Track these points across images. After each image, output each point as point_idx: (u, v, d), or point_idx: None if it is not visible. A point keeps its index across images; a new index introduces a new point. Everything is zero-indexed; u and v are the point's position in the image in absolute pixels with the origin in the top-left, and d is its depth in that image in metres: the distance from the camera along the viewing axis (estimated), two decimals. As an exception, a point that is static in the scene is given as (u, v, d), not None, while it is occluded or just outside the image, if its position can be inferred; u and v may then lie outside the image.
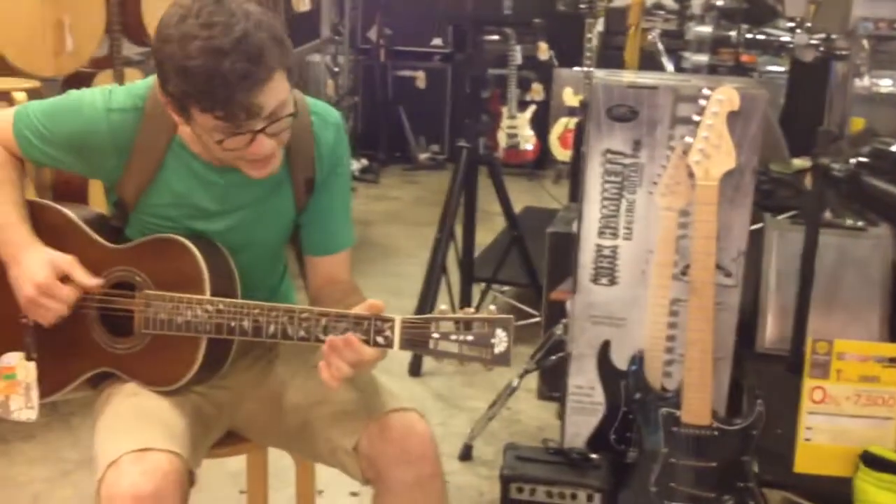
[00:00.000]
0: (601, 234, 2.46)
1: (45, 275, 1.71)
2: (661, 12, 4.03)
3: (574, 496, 2.42)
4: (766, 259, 2.95)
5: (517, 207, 4.01)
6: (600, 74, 2.53)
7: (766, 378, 2.67)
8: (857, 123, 3.27)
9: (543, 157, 7.11)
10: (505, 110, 6.97)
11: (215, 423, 1.87)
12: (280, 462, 2.14)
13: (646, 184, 2.41)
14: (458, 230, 3.78)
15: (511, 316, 1.57)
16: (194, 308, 1.69)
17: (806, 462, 2.40)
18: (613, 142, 2.40)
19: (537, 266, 3.77)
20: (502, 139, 7.00)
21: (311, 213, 1.88)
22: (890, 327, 2.85)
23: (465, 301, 3.79)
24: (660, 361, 2.40)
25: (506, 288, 4.32)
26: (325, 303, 1.82)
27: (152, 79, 1.70)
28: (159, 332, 1.72)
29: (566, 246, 2.88)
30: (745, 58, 3.81)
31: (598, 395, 2.54)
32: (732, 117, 2.26)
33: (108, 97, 1.74)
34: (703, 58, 3.69)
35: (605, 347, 2.51)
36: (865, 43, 3.14)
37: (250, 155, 1.63)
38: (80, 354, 1.80)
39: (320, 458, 1.86)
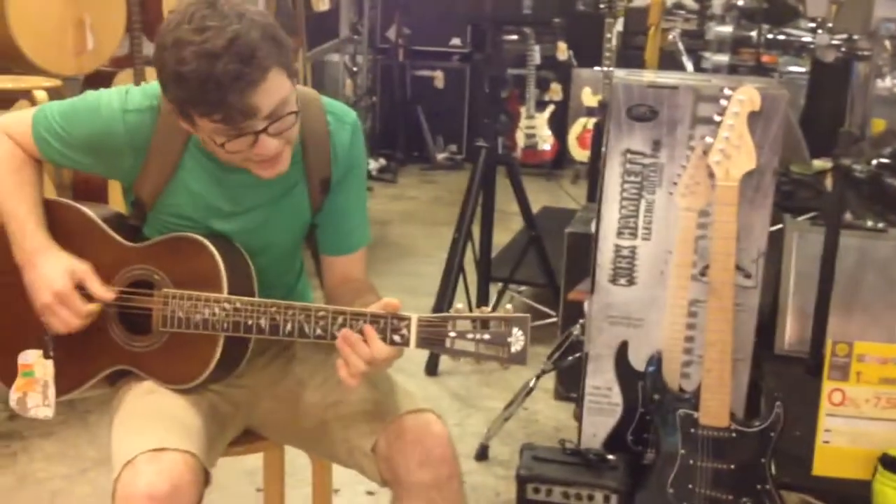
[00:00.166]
0: (620, 234, 2.45)
1: (63, 283, 1.72)
2: (682, 12, 4.01)
3: (591, 497, 2.42)
4: (785, 260, 2.93)
5: (535, 207, 4.00)
6: (620, 74, 2.52)
7: (785, 380, 2.66)
8: (879, 125, 3.25)
9: (561, 157, 7.11)
10: (523, 110, 6.97)
11: (232, 422, 1.87)
12: (297, 460, 2.14)
13: (665, 184, 2.39)
14: (476, 230, 3.77)
15: (527, 315, 1.57)
16: (212, 306, 1.69)
17: (824, 465, 2.38)
18: (633, 142, 2.39)
19: (555, 266, 3.76)
20: (520, 139, 7.00)
21: (327, 212, 1.88)
22: (911, 330, 2.82)
23: (483, 300, 3.78)
24: (678, 362, 2.39)
25: (523, 288, 4.32)
26: (340, 301, 1.81)
27: None
28: (177, 331, 1.72)
29: (584, 246, 2.88)
30: (765, 58, 3.79)
31: (616, 396, 2.53)
32: (753, 118, 2.25)
33: (125, 98, 1.75)
34: (723, 58, 3.67)
35: (622, 348, 2.50)
36: (888, 44, 3.12)
37: (256, 156, 1.63)
38: (97, 352, 1.80)
39: (337, 458, 1.86)
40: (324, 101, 1.84)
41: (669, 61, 4.05)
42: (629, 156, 2.40)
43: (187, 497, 1.58)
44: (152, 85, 1.77)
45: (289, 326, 1.65)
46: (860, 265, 2.82)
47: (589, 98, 6.74)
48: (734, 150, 2.23)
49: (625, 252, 2.45)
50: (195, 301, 1.70)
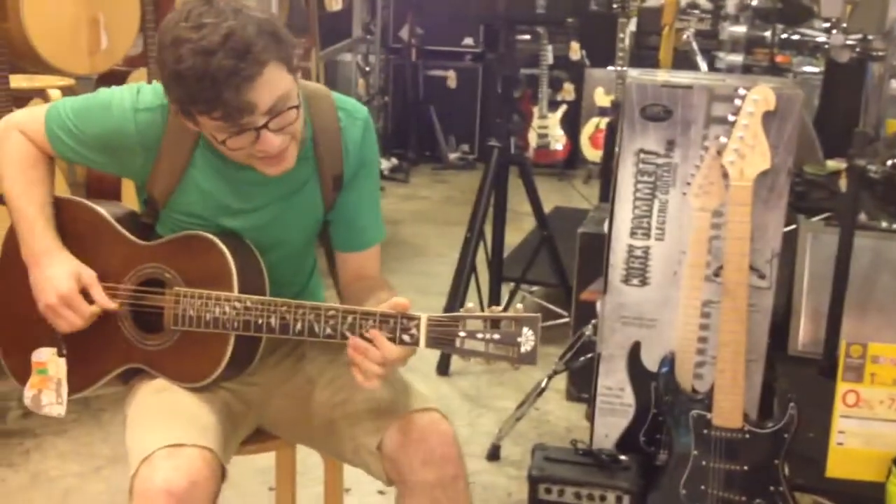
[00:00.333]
0: (633, 234, 2.44)
1: (69, 286, 1.73)
2: (696, 12, 4.00)
3: (603, 498, 2.41)
4: (799, 261, 2.91)
5: (547, 207, 4.00)
6: (634, 73, 2.52)
7: (799, 381, 2.64)
8: (893, 125, 3.24)
9: (574, 157, 7.10)
10: (536, 110, 6.96)
11: (244, 420, 1.87)
12: (308, 459, 2.14)
13: (679, 184, 2.39)
14: (488, 230, 3.77)
15: (538, 314, 1.56)
16: (222, 305, 1.69)
17: (838, 466, 2.37)
18: (647, 141, 2.38)
19: (567, 266, 3.75)
20: (533, 139, 7.00)
21: (340, 209, 1.88)
22: (926, 331, 2.81)
23: (494, 300, 3.78)
24: (691, 363, 2.39)
25: (535, 288, 4.31)
26: (354, 298, 1.82)
27: None
28: (188, 329, 1.72)
29: (597, 246, 2.87)
30: (779, 58, 3.77)
31: (628, 397, 2.52)
32: (768, 117, 2.24)
33: (136, 97, 1.75)
34: (737, 58, 3.66)
35: (635, 348, 2.49)
36: (903, 44, 3.10)
37: (259, 152, 1.63)
38: (110, 351, 1.81)
39: (345, 457, 1.86)
40: (335, 98, 1.84)
41: (683, 61, 4.04)
42: (642, 155, 2.40)
43: (205, 492, 1.58)
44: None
45: (299, 325, 1.65)
46: (874, 266, 2.81)
47: (601, 98, 6.73)
48: (748, 150, 2.22)
49: (638, 252, 2.45)
50: (206, 300, 1.70)
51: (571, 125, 7.02)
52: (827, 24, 3.65)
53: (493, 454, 3.02)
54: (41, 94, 3.23)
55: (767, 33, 3.71)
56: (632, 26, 5.19)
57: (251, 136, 1.59)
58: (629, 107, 2.38)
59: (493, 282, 3.82)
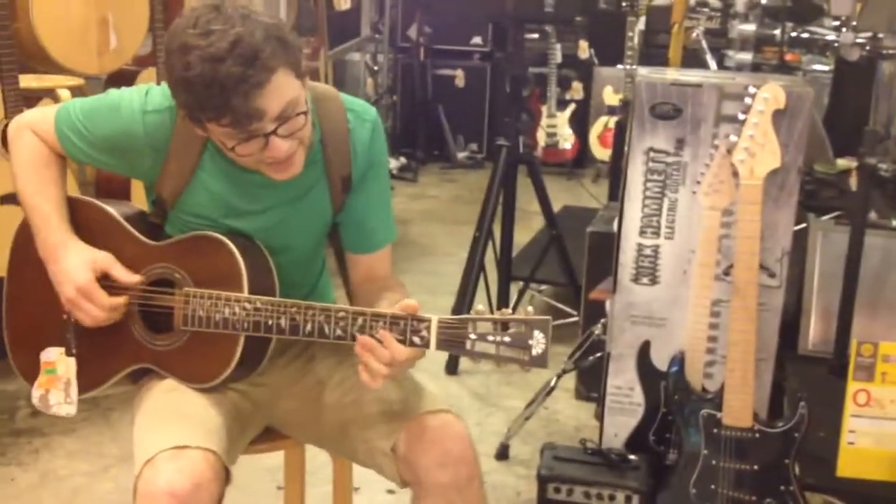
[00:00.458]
0: (642, 233, 2.43)
1: (86, 277, 1.73)
2: (705, 10, 3.99)
3: (612, 497, 2.41)
4: (809, 260, 2.91)
5: (555, 206, 3.99)
6: (643, 72, 2.51)
7: (809, 380, 2.64)
8: (904, 123, 3.22)
9: (582, 156, 7.09)
10: (544, 109, 6.95)
11: (253, 420, 1.87)
12: (317, 459, 2.14)
13: (689, 182, 2.38)
14: (497, 229, 3.76)
15: (549, 317, 1.55)
16: (232, 305, 1.69)
17: (849, 466, 2.36)
18: (656, 140, 2.37)
19: (575, 265, 3.75)
20: (541, 138, 6.99)
21: (349, 211, 1.87)
22: (937, 330, 2.80)
23: (503, 300, 3.77)
24: (701, 362, 2.38)
25: (543, 287, 4.31)
26: (365, 299, 1.82)
27: None
28: (198, 330, 1.72)
29: (606, 245, 2.86)
30: (788, 56, 3.76)
31: (638, 396, 2.52)
32: (778, 116, 2.23)
33: (144, 98, 1.75)
34: (746, 56, 3.65)
35: (645, 348, 2.48)
36: (913, 42, 3.09)
37: (268, 158, 1.62)
38: (119, 350, 1.80)
39: (357, 458, 1.85)
40: (344, 99, 1.83)
41: (692, 59, 4.03)
42: (652, 154, 2.39)
43: (208, 494, 1.58)
44: None
45: (308, 327, 1.65)
46: (885, 265, 2.80)
47: (610, 97, 6.72)
48: (759, 149, 2.21)
49: (647, 251, 2.44)
50: (215, 300, 1.70)
51: (580, 124, 7.01)
52: (837, 23, 3.63)
53: (502, 453, 3.02)
54: (51, 94, 3.23)
55: (777, 31, 3.70)
56: (640, 25, 5.18)
57: (260, 142, 1.59)
58: (639, 105, 2.37)
59: (501, 281, 3.81)
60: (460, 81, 7.33)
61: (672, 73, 2.52)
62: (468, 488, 1.72)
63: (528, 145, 3.82)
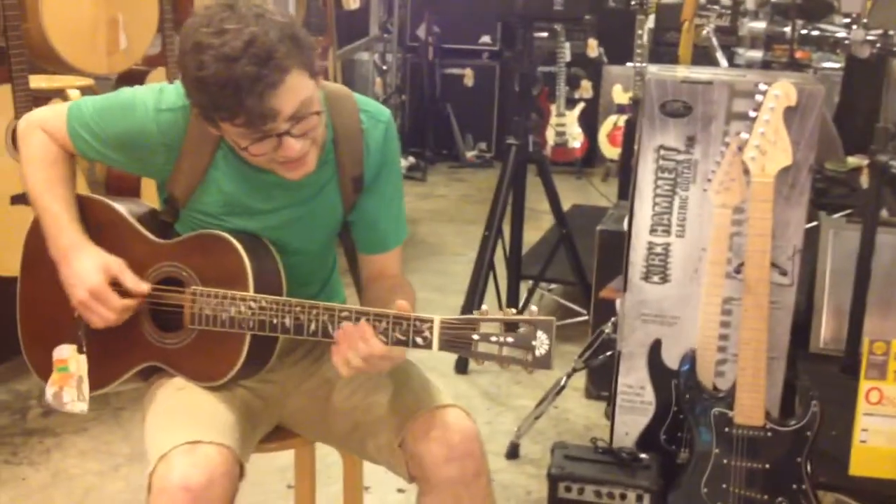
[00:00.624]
0: (653, 231, 2.43)
1: (98, 280, 1.73)
2: (716, 7, 3.98)
3: (623, 496, 2.40)
4: (820, 258, 2.90)
5: (565, 205, 3.99)
6: (654, 69, 2.50)
7: (820, 379, 2.63)
8: (915, 121, 3.21)
9: (591, 154, 7.08)
10: (553, 108, 6.94)
11: (263, 418, 1.87)
12: (328, 458, 2.14)
13: (699, 180, 2.37)
14: (506, 228, 3.76)
15: (553, 318, 1.54)
16: (237, 304, 1.69)
17: (861, 464, 2.35)
18: (667, 138, 2.37)
19: (585, 264, 3.74)
20: (550, 137, 6.98)
21: (361, 211, 1.87)
22: (949, 328, 2.79)
23: (513, 299, 3.77)
24: (712, 361, 2.37)
25: (553, 286, 4.30)
26: (375, 297, 1.82)
27: None
28: (205, 328, 1.72)
29: (616, 244, 2.86)
30: (799, 54, 3.75)
31: (649, 395, 2.51)
32: (789, 113, 2.22)
33: (158, 97, 1.75)
34: (756, 54, 3.64)
35: (656, 346, 2.48)
36: (924, 39, 3.07)
37: (280, 157, 1.62)
38: (129, 348, 1.81)
39: (366, 454, 1.86)
40: (358, 99, 1.83)
41: (702, 57, 4.02)
42: (662, 152, 2.38)
43: (222, 489, 1.58)
44: None
45: (313, 326, 1.65)
46: (897, 263, 2.79)
47: (619, 95, 6.71)
48: (770, 146, 2.21)
49: (658, 249, 2.43)
50: (221, 299, 1.70)
51: (589, 123, 7.01)
52: (847, 20, 3.62)
53: (513, 452, 3.01)
54: (60, 94, 3.23)
55: (787, 29, 3.69)
56: (650, 23, 5.17)
57: (273, 141, 1.59)
58: (649, 103, 2.36)
59: (511, 280, 3.81)
60: (469, 80, 7.33)
61: (682, 71, 2.51)
62: (475, 483, 1.72)
63: (538, 144, 3.81)
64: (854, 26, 3.40)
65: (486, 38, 7.30)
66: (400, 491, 2.70)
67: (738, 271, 2.35)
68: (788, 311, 2.40)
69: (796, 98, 2.21)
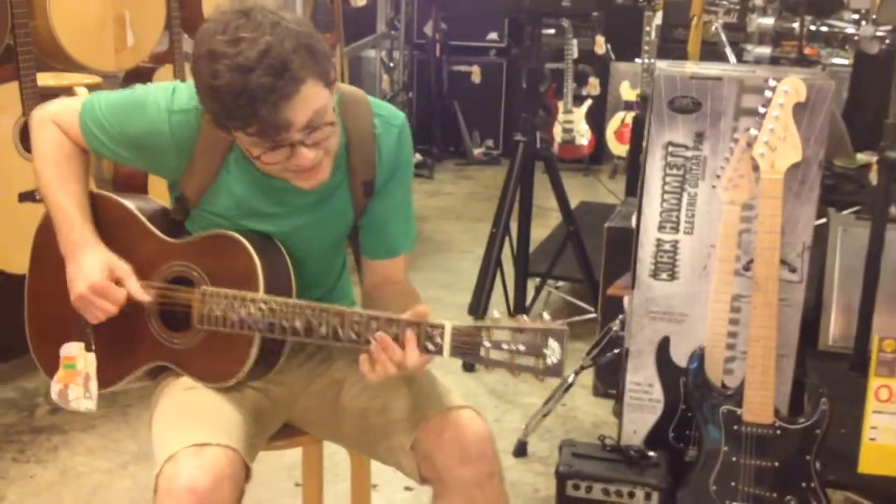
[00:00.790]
0: (661, 228, 2.42)
1: (100, 277, 1.73)
2: (724, 3, 3.97)
3: (632, 494, 2.39)
4: (829, 255, 2.89)
5: (572, 202, 3.98)
6: (662, 65, 2.49)
7: (830, 376, 2.62)
8: (925, 117, 3.19)
9: (599, 151, 7.07)
10: (561, 105, 6.93)
11: (271, 418, 1.87)
12: (335, 456, 2.13)
13: (708, 177, 2.36)
14: (513, 225, 3.75)
15: (565, 327, 1.54)
16: (248, 306, 1.68)
17: (871, 462, 2.34)
18: (675, 134, 2.36)
19: (593, 261, 3.73)
20: (558, 134, 6.97)
21: (370, 217, 1.86)
22: (959, 326, 2.77)
23: (520, 296, 3.76)
24: (721, 358, 2.36)
25: (560, 283, 4.29)
26: (377, 301, 1.81)
27: None
28: (214, 329, 1.72)
29: (624, 241, 2.85)
30: (807, 50, 3.74)
31: (657, 393, 2.50)
32: (798, 109, 2.21)
33: (171, 98, 1.74)
34: (765, 50, 3.63)
35: (664, 344, 2.47)
36: (934, 34, 3.06)
37: (293, 167, 1.61)
38: (137, 347, 1.81)
39: (376, 455, 1.85)
40: (372, 103, 1.81)
41: (710, 54, 4.01)
42: (671, 148, 2.37)
43: (228, 491, 1.58)
44: None
45: (323, 329, 1.64)
46: (907, 260, 2.78)
47: (627, 92, 6.69)
48: (779, 142, 2.19)
49: (666, 246, 2.42)
50: (231, 300, 1.69)
51: (597, 120, 7.00)
52: (856, 16, 3.61)
53: (520, 450, 3.01)
54: (68, 92, 3.24)
55: (796, 25, 3.68)
56: (657, 19, 5.16)
57: (286, 151, 1.58)
58: (657, 99, 2.35)
59: (518, 277, 3.80)
60: (476, 77, 7.32)
61: (691, 67, 2.50)
62: (489, 484, 1.71)
63: (545, 141, 3.80)
64: (863, 22, 3.40)
65: (493, 35, 7.29)
66: (408, 489, 2.70)
67: (747, 268, 2.35)
68: (798, 308, 2.39)
69: (806, 94, 2.20)
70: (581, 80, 6.96)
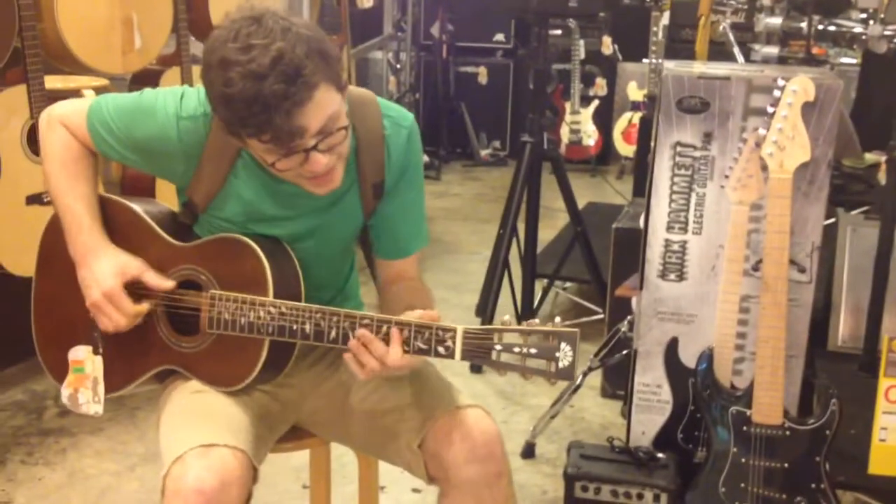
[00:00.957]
0: (670, 228, 2.41)
1: (113, 283, 1.73)
2: (732, 2, 3.95)
3: (640, 496, 2.39)
4: (838, 255, 2.88)
5: (580, 203, 3.97)
6: (670, 65, 2.49)
7: (839, 377, 2.61)
8: (934, 116, 3.18)
9: (606, 152, 7.06)
10: (568, 105, 6.93)
11: (280, 420, 1.86)
12: (343, 457, 2.13)
13: (717, 177, 2.36)
14: (521, 226, 3.75)
15: (577, 330, 1.54)
16: (257, 309, 1.68)
17: (881, 463, 2.33)
18: (683, 134, 2.35)
19: (601, 262, 3.73)
20: (565, 135, 6.96)
21: (380, 218, 1.85)
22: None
23: (528, 297, 3.76)
24: (730, 359, 2.35)
25: (568, 284, 4.29)
26: (393, 299, 1.81)
27: None
28: (223, 333, 1.72)
29: (632, 241, 2.84)
30: (815, 50, 3.73)
31: (665, 394, 2.50)
32: (807, 108, 2.20)
33: (180, 103, 1.73)
34: (772, 50, 3.61)
35: (672, 344, 2.46)
36: (943, 34, 3.05)
37: (307, 173, 1.60)
38: (145, 351, 1.80)
39: (384, 455, 1.85)
40: (381, 104, 1.80)
41: (717, 54, 4.00)
42: (679, 149, 2.37)
43: (236, 492, 1.58)
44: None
45: (333, 333, 1.64)
46: (916, 260, 2.76)
47: (634, 92, 6.68)
48: (788, 142, 2.19)
49: (675, 247, 2.42)
50: (241, 304, 1.69)
51: (604, 120, 6.99)
52: (864, 15, 3.59)
53: (528, 452, 3.00)
54: (76, 94, 3.24)
55: (803, 25, 3.66)
56: (664, 19, 5.15)
57: (300, 157, 1.57)
58: (665, 99, 2.35)
59: (526, 279, 3.80)
60: (483, 79, 7.31)
61: (699, 67, 2.50)
62: (497, 484, 1.71)
63: (553, 142, 3.80)
64: (871, 21, 3.38)
65: (500, 36, 7.29)
66: (415, 491, 2.70)
67: (755, 269, 2.34)
68: (807, 308, 2.38)
69: (814, 93, 2.19)
70: (588, 80, 6.95)
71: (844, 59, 4.11)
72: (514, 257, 3.76)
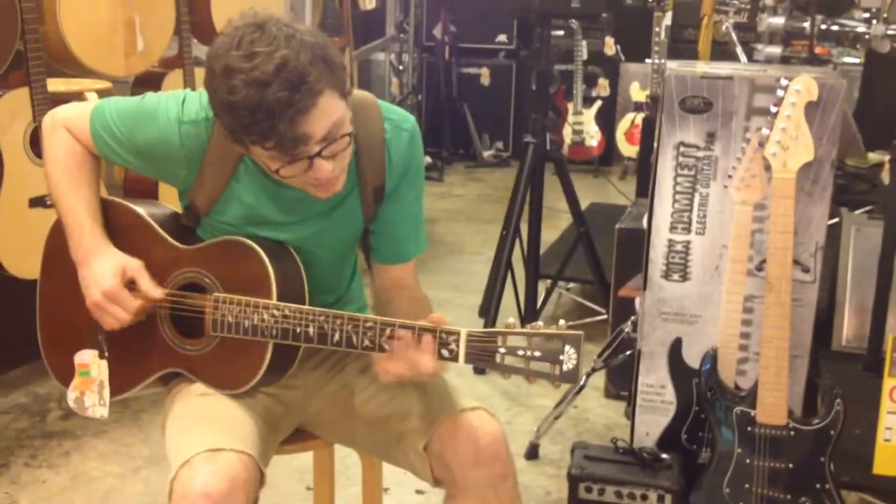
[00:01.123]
0: (673, 228, 2.41)
1: (113, 283, 1.73)
2: (735, 2, 3.96)
3: (644, 497, 2.38)
4: (842, 255, 2.87)
5: (582, 204, 3.97)
6: (673, 65, 2.48)
7: (843, 377, 2.60)
8: (937, 115, 3.18)
9: (609, 153, 7.07)
10: (570, 106, 6.93)
11: (284, 422, 1.86)
12: (347, 459, 2.13)
13: (720, 177, 2.35)
14: (523, 227, 3.74)
15: (581, 332, 1.53)
16: (261, 312, 1.68)
17: (885, 463, 2.32)
18: (686, 134, 2.35)
19: (604, 263, 3.72)
20: (567, 135, 6.96)
21: (381, 221, 1.85)
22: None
23: (531, 298, 3.75)
24: (733, 359, 2.35)
25: (571, 285, 4.29)
26: (391, 306, 1.80)
27: None
28: (227, 335, 1.72)
29: (635, 242, 2.84)
30: (818, 49, 3.73)
31: (669, 394, 2.49)
32: (810, 108, 2.20)
33: (181, 107, 1.73)
34: (775, 50, 3.62)
35: (676, 345, 2.46)
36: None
37: (311, 179, 1.60)
38: (150, 354, 1.80)
39: (389, 457, 1.85)
40: (382, 107, 1.80)
41: (719, 54, 4.00)
42: (682, 149, 2.36)
43: (243, 496, 1.58)
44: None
45: (337, 336, 1.64)
46: (920, 259, 2.76)
47: (637, 93, 6.68)
48: (791, 142, 2.18)
49: (678, 247, 2.41)
50: (244, 306, 1.69)
51: (606, 121, 6.99)
52: (867, 15, 3.59)
53: (532, 453, 3.00)
54: (78, 97, 3.25)
55: (806, 24, 3.66)
56: (667, 20, 5.15)
57: (304, 164, 1.56)
58: (668, 99, 2.34)
59: (529, 279, 3.79)
60: (486, 80, 7.32)
61: (702, 67, 2.49)
62: (503, 486, 1.71)
63: (555, 143, 3.80)
64: (874, 21, 3.38)
65: (502, 37, 7.29)
66: (419, 492, 2.69)
67: (759, 269, 2.33)
68: (811, 308, 2.38)
69: (817, 93, 2.19)
70: (591, 81, 6.96)
71: (847, 59, 4.11)
72: (518, 258, 3.75)
